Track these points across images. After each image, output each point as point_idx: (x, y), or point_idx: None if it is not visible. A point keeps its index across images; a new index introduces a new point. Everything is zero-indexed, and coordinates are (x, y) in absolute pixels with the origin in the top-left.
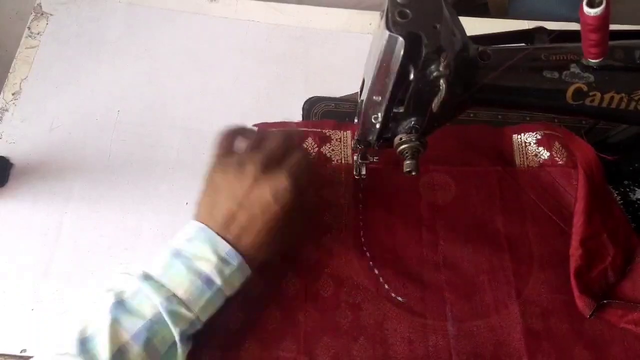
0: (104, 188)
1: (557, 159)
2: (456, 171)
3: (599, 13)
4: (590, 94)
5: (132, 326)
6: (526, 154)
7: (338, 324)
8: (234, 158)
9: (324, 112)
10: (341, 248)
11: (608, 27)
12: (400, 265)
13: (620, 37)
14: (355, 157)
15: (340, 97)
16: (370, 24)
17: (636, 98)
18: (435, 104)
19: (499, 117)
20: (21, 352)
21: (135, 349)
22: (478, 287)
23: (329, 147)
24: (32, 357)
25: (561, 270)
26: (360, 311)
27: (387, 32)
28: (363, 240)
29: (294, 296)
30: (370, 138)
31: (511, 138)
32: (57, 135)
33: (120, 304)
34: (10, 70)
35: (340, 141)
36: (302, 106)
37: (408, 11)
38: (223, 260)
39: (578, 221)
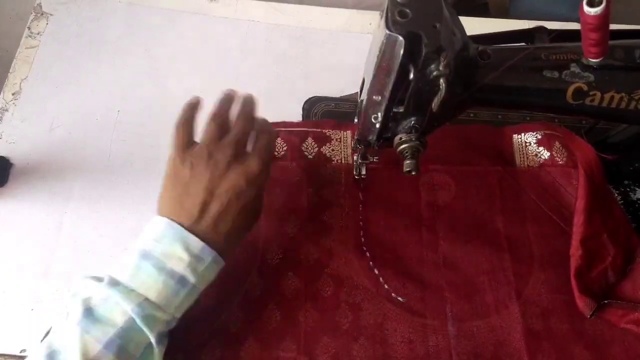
0: (104, 188)
1: (557, 158)
2: (456, 171)
3: (599, 12)
4: (591, 93)
5: (102, 335)
6: (526, 153)
7: (338, 324)
8: (199, 149)
9: (324, 112)
10: (341, 248)
11: (608, 26)
12: (400, 265)
13: (620, 36)
14: (355, 157)
15: (340, 97)
16: (370, 24)
17: (636, 97)
18: (435, 103)
19: (499, 117)
20: (21, 352)
21: (109, 358)
22: (478, 287)
23: (329, 147)
24: None
25: (561, 270)
26: (360, 311)
27: (387, 32)
28: (363, 240)
29: (294, 296)
30: (370, 138)
31: (511, 138)
32: (57, 135)
33: (88, 313)
34: (10, 70)
35: (340, 141)
36: (302, 106)
37: (408, 11)
38: (196, 257)
39: (578, 221)
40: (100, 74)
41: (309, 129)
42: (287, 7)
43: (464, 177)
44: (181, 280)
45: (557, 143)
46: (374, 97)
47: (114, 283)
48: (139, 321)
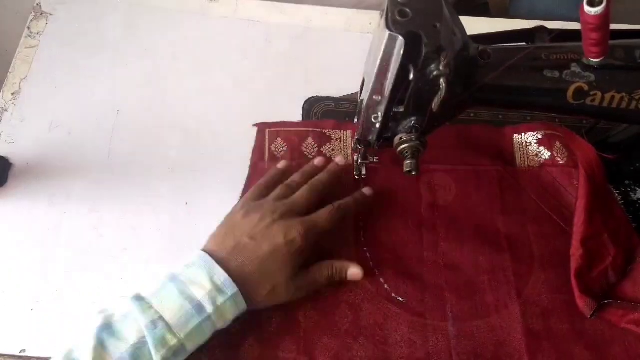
0: (104, 188)
1: (557, 158)
2: (456, 171)
3: (599, 12)
4: (591, 93)
5: (115, 350)
6: (527, 153)
7: (338, 324)
8: (260, 202)
9: (324, 112)
10: (341, 248)
11: (609, 26)
12: (401, 265)
13: (620, 36)
14: (355, 157)
15: (340, 97)
16: (370, 24)
17: (637, 97)
18: (435, 103)
19: (500, 116)
20: (20, 352)
21: None
22: (478, 287)
23: (329, 147)
24: (32, 357)
25: (562, 270)
26: (361, 311)
27: (387, 32)
28: (363, 240)
29: None
30: (370, 138)
31: (512, 138)
32: (57, 135)
33: (106, 327)
34: (10, 70)
35: (340, 141)
36: (302, 106)
37: (408, 10)
38: (217, 288)
39: (579, 221)
40: (100, 74)
41: (309, 129)
42: (287, 7)
43: (465, 177)
44: (198, 306)
45: (557, 143)
46: (374, 97)
47: (138, 298)
48: (149, 340)
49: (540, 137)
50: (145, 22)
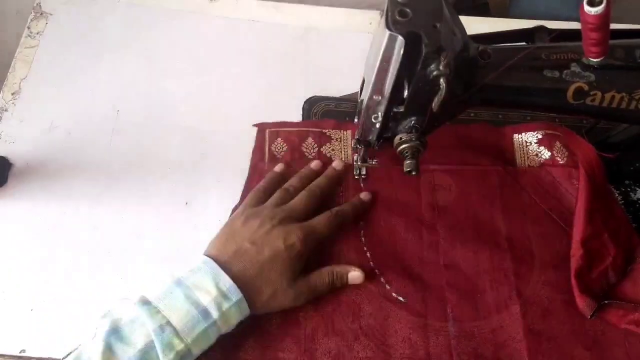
0: (104, 188)
1: (558, 158)
2: (457, 171)
3: (599, 12)
4: (591, 93)
5: (123, 354)
6: (527, 153)
7: (339, 324)
8: (259, 208)
9: (324, 112)
10: (341, 248)
11: (609, 26)
12: (401, 266)
13: (620, 36)
14: (355, 157)
15: (340, 97)
16: (370, 24)
17: (637, 97)
18: (435, 103)
19: (500, 116)
20: (20, 352)
21: None
22: (479, 288)
23: (329, 147)
24: (31, 357)
25: (562, 271)
26: (361, 311)
27: (387, 31)
28: (363, 240)
29: None
30: (370, 138)
31: (512, 137)
32: (57, 135)
33: (114, 331)
34: (10, 70)
35: (340, 141)
36: (302, 106)
37: (408, 10)
38: (223, 294)
39: (579, 221)
40: (100, 74)
41: (309, 129)
42: (287, 6)
43: (465, 177)
44: (204, 312)
45: (557, 143)
46: (374, 97)
47: (145, 302)
48: (157, 344)
49: (540, 136)
50: (145, 22)
